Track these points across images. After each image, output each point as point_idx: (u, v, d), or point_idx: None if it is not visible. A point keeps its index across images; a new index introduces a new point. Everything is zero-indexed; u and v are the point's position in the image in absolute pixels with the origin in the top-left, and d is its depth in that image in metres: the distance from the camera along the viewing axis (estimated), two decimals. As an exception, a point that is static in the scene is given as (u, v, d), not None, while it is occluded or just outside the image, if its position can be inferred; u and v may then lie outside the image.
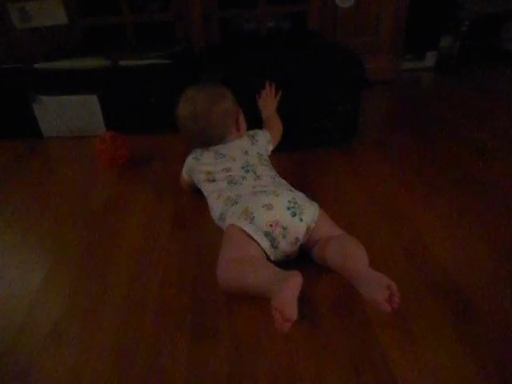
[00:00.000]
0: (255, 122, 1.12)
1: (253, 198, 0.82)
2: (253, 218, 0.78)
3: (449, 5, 1.91)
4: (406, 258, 0.82)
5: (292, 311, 0.63)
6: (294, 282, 0.66)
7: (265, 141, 1.07)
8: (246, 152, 0.99)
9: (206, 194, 0.97)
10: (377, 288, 0.66)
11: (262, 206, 0.78)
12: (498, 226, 0.90)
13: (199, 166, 0.98)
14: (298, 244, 0.80)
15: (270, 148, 1.08)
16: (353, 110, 1.26)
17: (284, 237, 0.78)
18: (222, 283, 0.74)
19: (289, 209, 0.79)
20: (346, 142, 1.31)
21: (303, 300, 0.71)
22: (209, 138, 1.01)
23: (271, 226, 0.77)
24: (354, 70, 1.20)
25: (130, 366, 0.63)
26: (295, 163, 1.18)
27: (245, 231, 0.77)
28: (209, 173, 0.95)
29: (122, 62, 1.40)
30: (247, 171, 0.94)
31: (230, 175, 0.93)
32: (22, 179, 1.23)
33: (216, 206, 0.89)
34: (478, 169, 1.14)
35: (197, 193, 1.04)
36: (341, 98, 1.22)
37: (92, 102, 1.42)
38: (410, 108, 1.63)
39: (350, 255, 0.72)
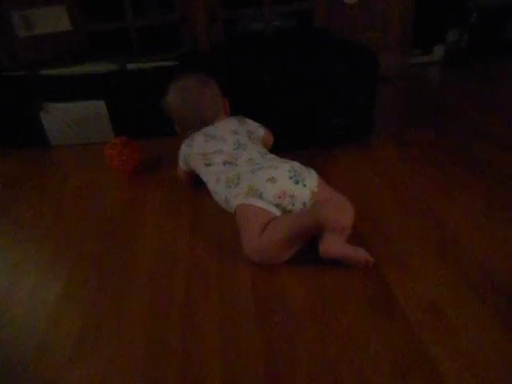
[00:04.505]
0: (260, 122, 1.11)
1: (253, 176, 0.84)
2: (260, 193, 0.81)
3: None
4: (439, 254, 0.78)
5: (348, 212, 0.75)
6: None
7: (255, 124, 1.08)
8: (235, 132, 1.00)
9: (205, 179, 0.97)
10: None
11: (266, 181, 0.81)
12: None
13: (193, 151, 0.99)
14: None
15: (261, 133, 1.07)
16: (368, 106, 1.23)
17: (293, 204, 0.82)
18: (262, 256, 0.77)
19: (291, 178, 0.82)
20: (363, 138, 1.28)
21: (335, 300, 0.69)
22: (199, 121, 1.05)
23: (279, 197, 0.81)
24: (370, 66, 1.17)
25: (160, 376, 0.60)
26: (312, 161, 1.14)
27: (257, 207, 0.80)
28: (204, 155, 0.96)
29: (130, 66, 1.38)
30: (238, 150, 0.95)
31: (223, 157, 0.93)
32: (32, 189, 1.20)
33: (219, 190, 0.90)
34: (499, 159, 1.10)
35: (196, 185, 1.07)
36: (356, 94, 1.19)
37: (100, 107, 1.40)
38: (422, 102, 1.61)
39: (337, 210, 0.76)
